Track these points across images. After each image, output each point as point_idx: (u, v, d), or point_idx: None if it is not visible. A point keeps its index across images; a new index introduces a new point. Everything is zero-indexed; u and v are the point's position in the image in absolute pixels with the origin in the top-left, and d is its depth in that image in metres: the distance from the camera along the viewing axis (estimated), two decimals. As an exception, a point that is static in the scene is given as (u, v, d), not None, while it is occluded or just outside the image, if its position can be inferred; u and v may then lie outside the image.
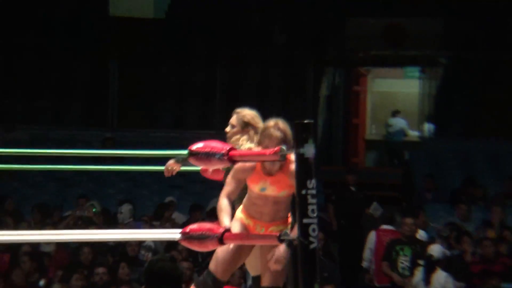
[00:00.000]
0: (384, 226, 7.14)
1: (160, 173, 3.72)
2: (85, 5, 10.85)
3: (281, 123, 3.44)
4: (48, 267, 6.17)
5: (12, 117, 9.19)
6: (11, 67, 9.59)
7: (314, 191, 2.55)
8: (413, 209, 7.40)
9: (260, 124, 3.70)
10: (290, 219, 3.46)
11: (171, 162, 3.73)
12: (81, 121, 9.79)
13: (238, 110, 3.76)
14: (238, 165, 3.44)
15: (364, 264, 7.08)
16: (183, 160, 3.61)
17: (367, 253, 7.05)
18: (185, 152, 3.12)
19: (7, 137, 8.77)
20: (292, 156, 3.36)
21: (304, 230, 2.47)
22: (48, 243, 6.37)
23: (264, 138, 3.41)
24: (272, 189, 3.41)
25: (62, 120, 9.70)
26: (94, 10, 10.97)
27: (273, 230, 3.42)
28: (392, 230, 7.07)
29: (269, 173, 3.44)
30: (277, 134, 3.40)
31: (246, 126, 3.67)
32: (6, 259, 6.04)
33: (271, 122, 3.45)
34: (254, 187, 3.44)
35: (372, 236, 7.07)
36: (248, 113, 3.75)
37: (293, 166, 3.35)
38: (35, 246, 6.33)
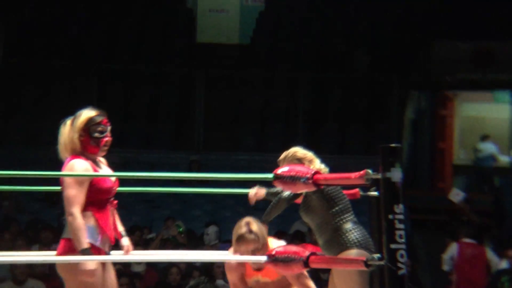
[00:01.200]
0: (466, 240, 6.93)
1: (244, 195, 3.77)
2: (173, 32, 11.22)
3: (254, 225, 3.57)
4: (139, 287, 6.33)
5: (106, 140, 9.52)
6: (105, 93, 10.00)
7: (401, 216, 2.52)
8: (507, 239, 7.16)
9: (315, 163, 3.66)
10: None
11: (255, 188, 3.76)
12: (169, 144, 10.06)
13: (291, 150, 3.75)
14: (227, 265, 3.58)
15: (445, 267, 6.90)
16: (271, 195, 3.65)
17: (447, 261, 6.84)
18: (269, 175, 3.17)
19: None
20: (273, 245, 3.49)
21: (391, 255, 2.45)
22: (138, 263, 6.54)
23: (238, 245, 3.55)
24: (265, 280, 3.47)
25: (151, 143, 10.00)
26: (182, 36, 11.32)
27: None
28: (474, 244, 6.86)
29: (258, 269, 3.52)
30: (251, 237, 3.53)
31: (299, 161, 3.65)
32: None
33: (243, 228, 3.59)
34: (249, 281, 3.51)
35: (453, 249, 6.87)
36: (299, 150, 3.71)
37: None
38: (126, 266, 6.51)
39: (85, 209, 3.26)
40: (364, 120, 10.24)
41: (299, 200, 3.69)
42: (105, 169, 3.40)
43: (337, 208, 3.54)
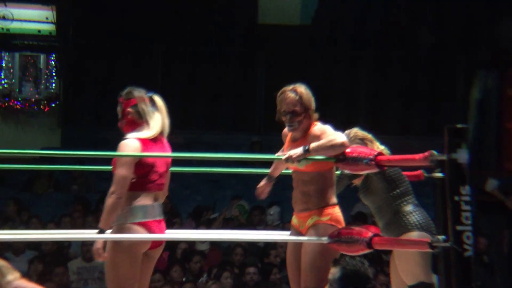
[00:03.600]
0: None
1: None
2: (235, 14, 11.24)
3: (300, 87, 3.40)
4: (203, 265, 6.45)
5: (171, 122, 9.70)
6: (168, 74, 10.14)
7: (468, 198, 2.49)
8: None
9: (376, 144, 3.62)
10: (329, 210, 3.27)
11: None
12: (230, 126, 10.13)
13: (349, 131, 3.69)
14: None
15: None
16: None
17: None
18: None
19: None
20: (316, 124, 3.31)
21: (457, 237, 2.42)
22: (202, 242, 6.66)
23: (279, 103, 3.37)
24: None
25: (213, 125, 10.10)
26: (244, 18, 11.33)
27: (309, 223, 3.29)
28: None
29: (294, 140, 3.37)
30: (292, 96, 3.35)
31: (362, 142, 3.61)
32: (165, 256, 6.40)
33: (288, 87, 3.42)
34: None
35: None
36: (359, 130, 3.69)
37: (315, 129, 3.29)
38: (191, 245, 6.64)
39: (143, 188, 3.33)
40: (428, 100, 10.05)
41: (358, 181, 3.67)
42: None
43: (398, 190, 3.51)
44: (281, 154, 3.26)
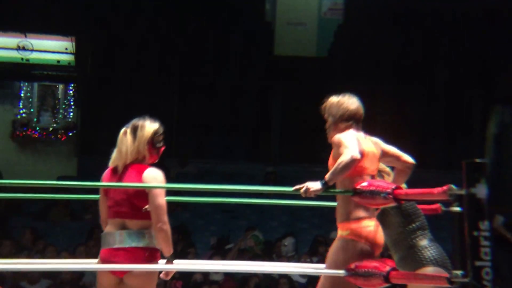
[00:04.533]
0: None
1: (320, 208, 3.77)
2: (252, 45, 11.35)
3: (336, 96, 3.46)
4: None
5: (185, 152, 9.76)
6: (186, 105, 10.22)
7: (487, 233, 2.47)
8: None
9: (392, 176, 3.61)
10: (351, 224, 3.17)
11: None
12: (246, 156, 10.16)
13: None
14: None
15: None
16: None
17: None
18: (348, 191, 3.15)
19: (180, 171, 9.34)
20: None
21: (476, 273, 2.40)
22: (217, 273, 6.62)
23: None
24: None
25: (228, 155, 10.13)
26: (261, 49, 11.43)
27: (335, 237, 3.27)
28: None
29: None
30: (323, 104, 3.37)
31: (379, 174, 3.63)
32: (179, 286, 6.37)
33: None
34: None
35: None
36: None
37: (335, 137, 3.29)
38: (205, 275, 6.61)
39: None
40: (445, 134, 10.02)
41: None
42: None
43: (414, 225, 3.50)
44: (298, 187, 3.23)
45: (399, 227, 3.52)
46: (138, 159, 3.46)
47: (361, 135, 3.39)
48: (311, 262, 7.09)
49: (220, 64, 10.97)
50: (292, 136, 10.14)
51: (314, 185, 3.15)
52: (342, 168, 3.12)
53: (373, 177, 3.28)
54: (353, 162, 3.12)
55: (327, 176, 3.15)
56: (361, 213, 3.22)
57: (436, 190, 2.95)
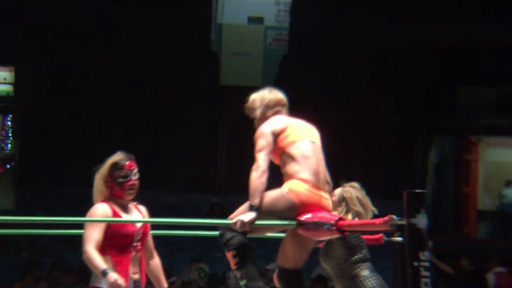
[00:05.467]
0: (499, 269, 7.01)
1: (265, 239, 3.74)
2: (198, 75, 11.35)
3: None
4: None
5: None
6: (130, 135, 10.09)
7: (427, 264, 2.49)
8: None
9: (356, 207, 3.62)
10: (291, 180, 3.18)
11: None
12: (191, 187, 10.07)
13: (347, 184, 3.71)
14: None
15: None
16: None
17: None
18: (292, 222, 3.14)
19: (123, 203, 9.16)
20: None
21: (417, 303, 2.40)
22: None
23: None
24: None
25: (174, 185, 10.03)
26: (207, 80, 11.44)
27: None
28: (506, 272, 6.95)
29: None
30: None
31: (341, 201, 3.63)
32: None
33: None
34: None
35: (491, 279, 6.95)
36: (351, 191, 3.69)
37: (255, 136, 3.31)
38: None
39: (104, 253, 3.30)
40: (388, 163, 10.18)
41: (320, 244, 3.65)
42: (135, 214, 3.42)
43: (357, 257, 3.52)
44: (232, 221, 3.20)
45: (342, 258, 3.53)
46: (105, 195, 3.40)
47: (285, 115, 3.40)
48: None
49: (166, 94, 10.91)
50: (237, 166, 10.12)
51: (246, 216, 3.09)
52: (255, 188, 3.16)
53: (313, 143, 3.29)
54: (259, 177, 3.15)
55: (250, 201, 3.12)
56: (303, 175, 3.20)
57: (378, 220, 2.96)
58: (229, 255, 3.21)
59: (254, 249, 3.23)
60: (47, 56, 10.39)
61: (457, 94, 10.68)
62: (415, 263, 2.50)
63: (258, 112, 3.44)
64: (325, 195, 3.24)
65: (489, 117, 10.50)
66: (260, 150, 3.21)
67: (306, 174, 3.19)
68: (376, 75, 11.07)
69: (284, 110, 3.45)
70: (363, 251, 3.55)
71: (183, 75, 11.24)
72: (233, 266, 3.18)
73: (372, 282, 3.50)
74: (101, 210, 3.34)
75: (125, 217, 3.38)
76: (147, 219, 3.47)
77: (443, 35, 11.05)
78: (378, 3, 11.42)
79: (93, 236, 3.26)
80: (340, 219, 3.12)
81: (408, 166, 9.96)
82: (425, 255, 2.51)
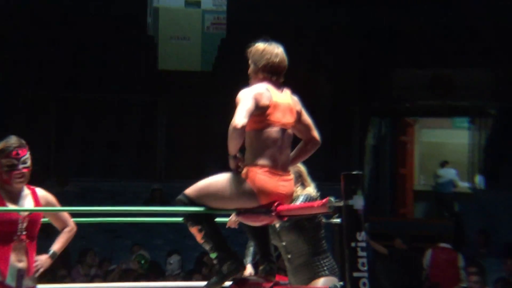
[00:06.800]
0: (442, 244, 7.22)
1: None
2: (135, 60, 11.17)
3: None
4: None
5: (65, 171, 9.42)
6: (65, 121, 9.86)
7: (364, 244, 2.53)
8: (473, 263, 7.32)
9: (308, 182, 3.76)
10: (251, 167, 3.12)
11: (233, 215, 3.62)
12: (131, 173, 9.94)
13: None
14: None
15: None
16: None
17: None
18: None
19: (60, 190, 8.97)
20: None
21: (354, 284, 2.44)
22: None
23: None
24: None
25: (112, 172, 9.87)
26: (144, 64, 11.27)
27: None
28: (448, 248, 7.14)
29: None
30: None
31: (298, 178, 3.70)
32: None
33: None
34: None
35: (428, 255, 7.16)
36: (300, 167, 3.78)
37: (238, 95, 3.23)
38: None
39: None
40: (326, 147, 10.29)
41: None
42: (26, 201, 3.34)
43: (323, 232, 3.58)
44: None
45: (311, 233, 3.56)
46: None
47: (274, 87, 3.32)
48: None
49: (102, 79, 10.70)
50: (177, 152, 10.04)
51: (230, 163, 3.13)
52: (230, 140, 3.10)
53: (284, 131, 3.22)
54: (234, 131, 3.08)
55: (229, 152, 3.12)
56: (263, 161, 3.15)
57: (317, 203, 2.98)
58: (194, 230, 3.17)
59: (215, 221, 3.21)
60: None
61: (391, 77, 10.87)
62: (352, 244, 2.53)
63: (252, 67, 3.34)
64: (285, 179, 3.18)
65: (424, 99, 10.73)
66: (243, 109, 3.14)
67: (265, 160, 3.15)
68: (312, 59, 11.15)
69: (279, 77, 3.36)
70: (323, 231, 3.61)
71: (120, 60, 11.03)
72: (200, 241, 3.15)
73: (331, 261, 3.56)
74: None
75: (10, 205, 3.29)
76: (91, 207, 3.39)
77: (378, 18, 11.21)
78: (314, -13, 11.50)
79: None
80: (279, 204, 3.12)
81: (345, 149, 10.10)
82: (361, 235, 2.55)
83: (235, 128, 3.08)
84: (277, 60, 3.37)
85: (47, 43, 10.70)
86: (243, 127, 3.09)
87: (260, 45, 3.36)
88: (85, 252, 7.30)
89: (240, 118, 3.11)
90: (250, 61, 3.37)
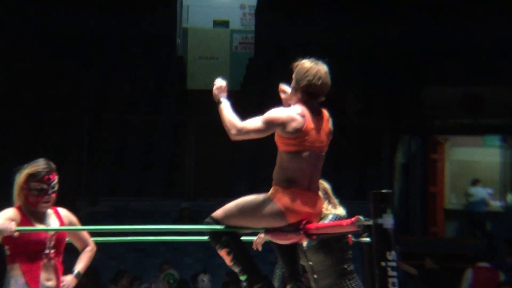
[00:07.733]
0: (482, 264, 7.07)
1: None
2: (164, 80, 11.28)
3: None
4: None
5: (97, 190, 9.51)
6: (96, 142, 9.97)
7: (394, 264, 2.49)
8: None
9: (333, 199, 3.74)
10: (280, 188, 3.13)
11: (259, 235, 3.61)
12: (160, 192, 9.99)
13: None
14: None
15: None
16: None
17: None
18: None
19: (91, 210, 9.06)
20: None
21: (385, 303, 2.40)
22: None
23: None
24: None
25: (142, 191, 9.93)
26: (173, 84, 11.37)
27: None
28: (489, 268, 6.99)
29: None
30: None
31: (325, 195, 3.68)
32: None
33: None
34: None
35: (468, 274, 7.01)
36: (325, 184, 3.75)
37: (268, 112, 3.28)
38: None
39: (13, 260, 3.28)
40: (356, 165, 10.23)
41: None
42: (51, 221, 3.37)
43: (350, 252, 3.54)
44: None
45: (337, 255, 3.53)
46: (21, 200, 3.36)
47: (311, 111, 3.27)
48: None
49: (132, 99, 10.81)
50: (206, 171, 10.07)
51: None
52: (224, 118, 3.28)
53: (316, 154, 3.19)
54: (231, 128, 3.19)
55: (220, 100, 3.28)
56: (292, 182, 3.14)
57: (346, 221, 2.96)
58: (222, 252, 3.16)
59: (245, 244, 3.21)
60: (11, 63, 10.21)
61: (422, 94, 10.79)
62: (382, 263, 2.50)
63: (293, 83, 3.29)
64: (313, 198, 3.16)
65: (454, 117, 10.63)
66: (254, 126, 3.18)
67: (294, 181, 3.14)
68: (342, 77, 11.13)
69: (318, 99, 3.30)
70: (350, 252, 3.58)
71: (149, 80, 11.15)
72: (229, 263, 3.15)
73: (358, 282, 3.51)
74: (4, 214, 3.30)
75: (37, 225, 3.34)
76: (121, 226, 3.39)
77: (409, 36, 11.17)
78: (342, 5, 11.51)
79: None
80: (308, 222, 3.10)
81: (375, 167, 10.02)
82: (392, 255, 2.51)
83: (234, 134, 3.18)
84: (319, 83, 3.28)
85: (78, 65, 10.88)
86: (237, 139, 3.17)
87: (305, 64, 3.31)
88: (122, 274, 7.32)
89: (245, 130, 3.18)
90: (293, 75, 3.31)
